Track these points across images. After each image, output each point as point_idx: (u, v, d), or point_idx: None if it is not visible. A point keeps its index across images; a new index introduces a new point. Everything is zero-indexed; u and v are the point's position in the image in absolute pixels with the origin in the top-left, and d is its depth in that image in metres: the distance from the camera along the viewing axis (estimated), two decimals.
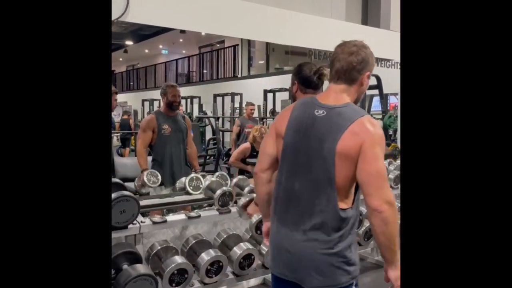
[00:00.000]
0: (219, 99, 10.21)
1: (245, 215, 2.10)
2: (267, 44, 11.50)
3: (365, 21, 4.78)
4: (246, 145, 4.15)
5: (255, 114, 7.54)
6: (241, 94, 10.38)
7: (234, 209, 2.52)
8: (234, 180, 2.67)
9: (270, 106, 9.58)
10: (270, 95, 9.39)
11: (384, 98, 7.58)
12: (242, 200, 2.13)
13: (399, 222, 1.06)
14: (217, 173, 2.96)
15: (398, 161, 3.62)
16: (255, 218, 1.95)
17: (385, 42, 4.12)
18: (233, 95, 10.38)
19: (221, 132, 8.40)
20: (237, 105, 10.37)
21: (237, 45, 12.82)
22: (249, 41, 12.21)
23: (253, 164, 4.30)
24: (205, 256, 2.17)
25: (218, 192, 2.43)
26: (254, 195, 2.20)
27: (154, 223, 2.22)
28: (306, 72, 2.01)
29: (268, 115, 9.21)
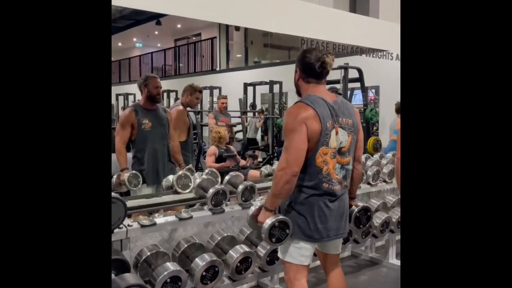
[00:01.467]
0: None
1: (255, 224, 1.93)
2: (246, 37, 11.31)
3: (353, 8, 4.66)
4: (212, 149, 4.14)
5: (233, 108, 7.35)
6: (219, 88, 10.17)
7: (228, 208, 2.35)
8: (227, 177, 2.49)
9: (250, 100, 9.42)
10: (250, 89, 9.22)
11: (365, 91, 7.52)
12: (252, 209, 1.96)
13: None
14: (206, 170, 2.77)
15: (376, 155, 3.53)
16: (267, 225, 1.78)
17: (373, 31, 4.01)
18: (211, 88, 10.16)
19: (201, 127, 8.19)
20: (216, 99, 10.18)
21: (215, 37, 12.57)
22: (227, 33, 11.98)
23: (231, 157, 4.20)
24: (200, 261, 1.99)
25: (211, 191, 2.25)
26: (261, 201, 2.03)
27: (143, 226, 2.02)
28: (309, 59, 1.86)
29: (248, 108, 9.05)
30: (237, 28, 11.28)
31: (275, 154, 8.70)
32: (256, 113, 8.88)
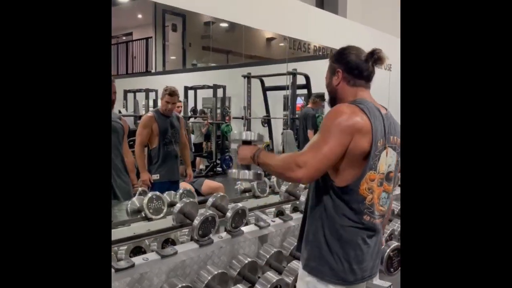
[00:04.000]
0: (130, 95, 9.31)
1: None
2: (184, 38, 10.79)
3: (320, 4, 4.40)
4: None
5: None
6: (156, 91, 9.55)
7: (216, 238, 1.94)
8: (211, 199, 2.08)
9: (191, 104, 8.92)
10: (191, 93, 8.72)
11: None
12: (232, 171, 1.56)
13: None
14: (180, 190, 2.33)
15: None
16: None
17: (338, 30, 3.75)
18: (147, 91, 9.49)
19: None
20: (151, 102, 9.54)
21: (150, 37, 11.85)
22: (163, 34, 11.34)
23: None
24: None
25: (199, 219, 1.83)
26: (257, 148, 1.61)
27: (118, 270, 1.55)
28: (358, 56, 1.50)
29: (189, 113, 8.54)
30: (174, 29, 10.72)
31: (218, 162, 8.31)
32: (201, 118, 8.45)
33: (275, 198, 2.71)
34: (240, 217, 2.03)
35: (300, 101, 8.81)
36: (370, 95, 1.54)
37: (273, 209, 2.56)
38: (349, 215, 1.46)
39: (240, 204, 2.06)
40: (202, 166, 8.09)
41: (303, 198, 2.42)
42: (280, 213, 2.56)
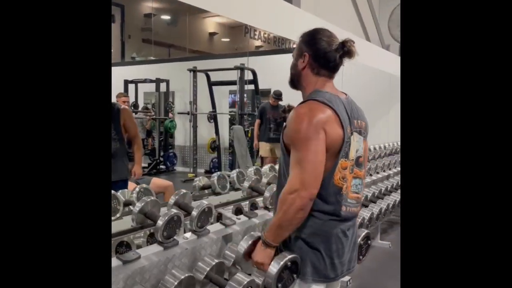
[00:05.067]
0: None
1: (248, 265, 1.42)
2: (123, 30, 10.26)
3: None
4: None
5: None
6: None
7: (180, 239, 1.78)
8: (173, 197, 1.91)
9: (132, 99, 8.49)
10: (131, 87, 8.30)
11: (258, 93, 7.35)
12: (243, 246, 1.44)
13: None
14: (137, 188, 2.13)
15: None
16: (275, 268, 1.29)
17: (290, 20, 3.60)
18: None
19: None
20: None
21: None
22: None
23: None
24: None
25: (163, 219, 1.66)
26: (257, 234, 1.52)
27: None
28: (328, 44, 1.40)
29: (131, 108, 8.13)
30: (112, 20, 10.14)
31: (161, 159, 8.00)
32: (142, 113, 8.08)
33: (236, 195, 2.58)
34: (206, 215, 1.88)
35: (235, 98, 8.72)
36: (332, 85, 1.47)
37: (230, 207, 2.44)
38: (327, 209, 1.40)
39: (205, 202, 1.91)
40: (145, 164, 7.74)
41: (267, 194, 2.32)
42: (238, 211, 2.43)
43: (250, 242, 1.44)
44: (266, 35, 3.39)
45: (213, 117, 7.56)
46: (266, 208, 2.34)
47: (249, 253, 1.43)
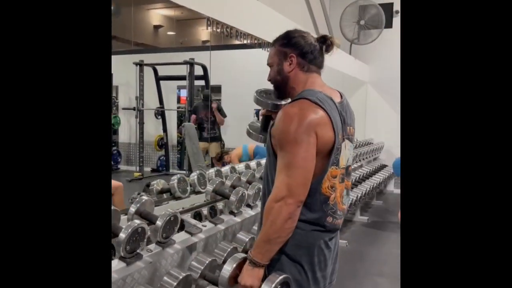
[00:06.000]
0: None
1: None
2: None
3: None
4: None
5: None
6: None
7: (144, 252, 1.59)
8: (134, 205, 1.71)
9: None
10: None
11: (209, 88, 7.16)
12: (227, 269, 1.30)
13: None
14: None
15: None
16: (269, 286, 1.16)
17: (245, 11, 3.43)
18: None
19: None
20: None
21: None
22: None
23: None
24: None
25: (126, 231, 1.46)
26: (241, 255, 1.38)
27: None
28: (309, 39, 1.37)
29: None
30: None
31: None
32: None
33: (197, 199, 2.41)
34: (172, 225, 1.71)
35: (184, 94, 8.46)
36: (322, 81, 1.41)
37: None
38: (311, 218, 1.30)
39: (170, 210, 1.74)
40: None
41: (233, 197, 2.18)
42: (197, 216, 2.27)
43: (234, 265, 1.30)
44: (228, 29, 3.20)
45: (160, 113, 7.25)
46: (231, 212, 2.20)
47: (234, 277, 1.29)
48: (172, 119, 7.64)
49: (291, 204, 1.20)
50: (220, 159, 5.42)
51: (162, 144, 7.42)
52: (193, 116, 6.00)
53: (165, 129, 7.29)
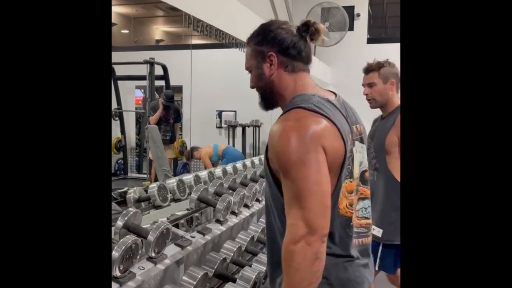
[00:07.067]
0: None
1: None
2: None
3: None
4: None
5: None
6: None
7: (136, 269, 1.45)
8: (122, 218, 1.55)
9: None
10: None
11: (170, 90, 6.94)
12: None
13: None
14: None
15: None
16: None
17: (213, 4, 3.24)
18: None
19: None
20: None
21: None
22: None
23: None
24: None
25: (119, 249, 1.32)
26: None
27: None
28: (287, 33, 1.13)
29: None
30: None
31: None
32: None
33: (177, 207, 2.28)
34: (164, 238, 1.58)
35: (140, 94, 8.17)
36: (314, 84, 1.18)
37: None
38: (336, 251, 1.09)
39: (162, 220, 1.61)
40: None
41: (220, 205, 2.07)
42: (175, 225, 2.14)
43: None
44: (208, 28, 3.06)
45: (118, 115, 6.93)
46: (218, 221, 2.09)
47: None
48: (130, 120, 7.35)
49: (314, 242, 0.98)
50: (190, 157, 5.34)
51: (120, 146, 7.10)
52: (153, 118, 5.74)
53: (123, 131, 6.98)
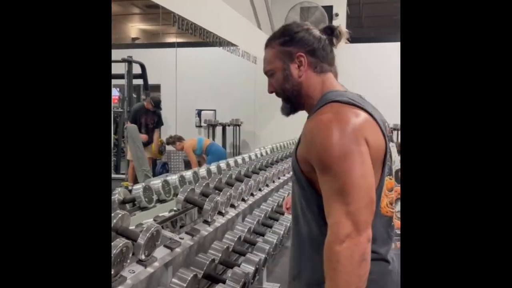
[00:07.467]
0: None
1: None
2: None
3: None
4: None
5: None
6: None
7: (126, 272, 1.42)
8: (114, 221, 1.52)
9: None
10: None
11: (148, 89, 6.85)
12: None
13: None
14: None
15: None
16: None
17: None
18: None
19: None
20: None
21: None
22: None
23: None
24: None
25: (114, 252, 1.29)
26: None
27: None
28: (314, 35, 1.13)
29: None
30: None
31: None
32: None
33: (163, 208, 2.25)
34: (154, 241, 1.55)
35: (116, 93, 8.04)
36: (338, 82, 1.18)
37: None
38: (378, 255, 1.02)
39: (151, 221, 1.59)
40: None
41: (207, 206, 2.05)
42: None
43: None
44: (193, 26, 3.02)
45: None
46: (205, 222, 2.07)
47: None
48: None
49: (362, 242, 0.92)
50: (172, 143, 5.29)
51: None
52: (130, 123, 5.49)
53: None
